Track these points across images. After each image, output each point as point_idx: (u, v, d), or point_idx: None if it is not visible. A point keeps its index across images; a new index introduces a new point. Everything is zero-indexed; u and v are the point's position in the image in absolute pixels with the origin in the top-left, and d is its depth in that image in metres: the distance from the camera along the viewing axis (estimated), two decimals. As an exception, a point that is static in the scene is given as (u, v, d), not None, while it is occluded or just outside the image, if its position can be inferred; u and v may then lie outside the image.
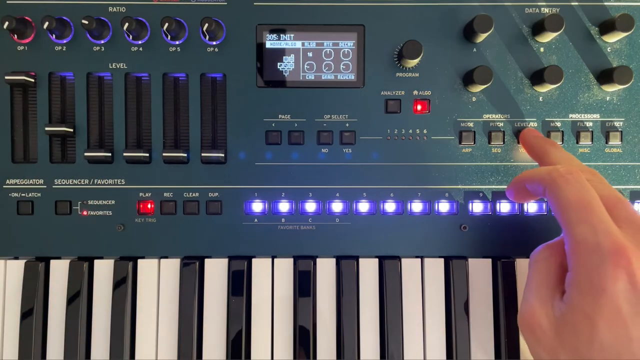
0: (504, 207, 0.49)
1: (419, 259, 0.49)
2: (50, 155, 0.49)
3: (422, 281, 0.49)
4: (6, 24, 0.45)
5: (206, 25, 0.46)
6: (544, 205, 0.49)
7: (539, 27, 0.47)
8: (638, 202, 0.49)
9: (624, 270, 0.32)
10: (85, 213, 0.49)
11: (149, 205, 0.49)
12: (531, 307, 0.38)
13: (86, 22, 0.46)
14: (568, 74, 0.49)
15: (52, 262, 0.49)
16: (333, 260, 0.49)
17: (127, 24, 0.46)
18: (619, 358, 0.32)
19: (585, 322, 0.33)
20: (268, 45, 0.49)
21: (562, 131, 0.49)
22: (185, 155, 0.48)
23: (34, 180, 0.49)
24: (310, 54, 0.49)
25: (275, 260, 0.49)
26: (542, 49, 0.49)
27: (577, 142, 0.49)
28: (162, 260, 0.49)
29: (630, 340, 0.32)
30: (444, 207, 0.49)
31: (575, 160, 0.43)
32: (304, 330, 0.48)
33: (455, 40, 0.49)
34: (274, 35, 0.49)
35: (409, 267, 0.49)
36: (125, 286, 0.48)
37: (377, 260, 0.49)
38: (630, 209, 0.37)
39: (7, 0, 0.48)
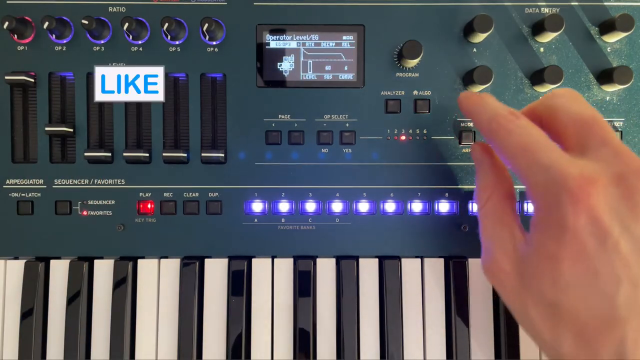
0: (504, 207, 0.49)
1: (419, 259, 0.49)
2: (50, 155, 0.49)
3: (422, 281, 0.49)
4: (6, 24, 0.45)
5: (206, 25, 0.46)
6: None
7: (539, 27, 0.47)
8: (638, 202, 0.49)
9: (583, 204, 0.31)
10: (85, 213, 0.49)
11: (149, 205, 0.49)
12: (492, 254, 0.37)
13: (86, 22, 0.46)
14: (568, 74, 0.49)
15: (52, 262, 0.49)
16: (333, 260, 0.49)
17: (127, 24, 0.46)
18: (585, 296, 0.31)
19: (549, 262, 0.32)
20: (268, 45, 0.49)
21: (562, 131, 0.49)
22: (185, 155, 0.48)
23: (34, 180, 0.49)
24: (310, 54, 0.49)
25: (275, 260, 0.49)
26: (542, 49, 0.49)
27: (577, 142, 0.49)
28: (162, 260, 0.49)
29: (597, 275, 0.30)
30: (444, 207, 0.49)
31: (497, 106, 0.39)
32: (304, 330, 0.48)
33: (455, 40, 0.49)
34: (274, 35, 0.49)
35: (409, 267, 0.49)
36: (125, 286, 0.48)
37: (377, 260, 0.49)
38: (602, 130, 0.34)
39: (7, 0, 0.48)
